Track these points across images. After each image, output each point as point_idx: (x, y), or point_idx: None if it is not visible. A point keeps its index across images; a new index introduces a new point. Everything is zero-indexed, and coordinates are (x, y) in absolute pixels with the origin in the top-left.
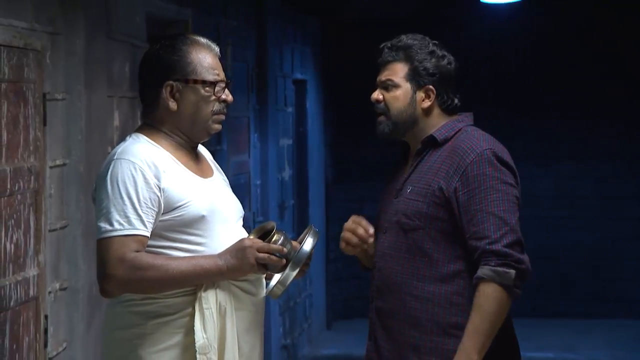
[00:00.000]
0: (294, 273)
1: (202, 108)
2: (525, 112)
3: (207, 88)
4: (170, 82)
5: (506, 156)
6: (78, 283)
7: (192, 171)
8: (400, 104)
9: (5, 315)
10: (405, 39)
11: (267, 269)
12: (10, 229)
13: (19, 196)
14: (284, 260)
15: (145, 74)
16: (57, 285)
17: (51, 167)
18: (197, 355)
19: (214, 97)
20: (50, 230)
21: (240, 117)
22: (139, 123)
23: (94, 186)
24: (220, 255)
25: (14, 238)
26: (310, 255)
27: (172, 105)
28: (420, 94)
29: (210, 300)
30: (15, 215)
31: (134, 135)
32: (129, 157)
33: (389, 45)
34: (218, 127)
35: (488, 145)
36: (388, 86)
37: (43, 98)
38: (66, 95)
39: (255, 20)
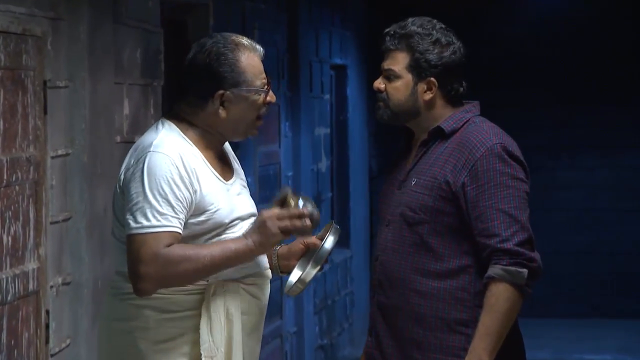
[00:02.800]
0: (315, 271)
1: (250, 114)
2: (584, 100)
3: (256, 95)
4: (222, 91)
5: (516, 150)
6: (82, 277)
7: (218, 173)
8: (401, 95)
9: (2, 310)
10: (410, 26)
11: (294, 233)
12: (8, 220)
13: (17, 187)
14: (309, 222)
15: (192, 81)
16: (60, 280)
17: (53, 157)
18: (203, 359)
19: (261, 102)
20: (52, 223)
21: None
22: (152, 111)
23: (121, 177)
24: (245, 235)
25: (12, 230)
26: (330, 252)
27: (222, 113)
28: (422, 86)
29: (219, 303)
30: (13, 207)
31: (166, 125)
32: (164, 150)
33: (392, 32)
34: (256, 131)
35: (498, 139)
36: (390, 76)
37: (44, 85)
38: (69, 83)
39: (286, 3)
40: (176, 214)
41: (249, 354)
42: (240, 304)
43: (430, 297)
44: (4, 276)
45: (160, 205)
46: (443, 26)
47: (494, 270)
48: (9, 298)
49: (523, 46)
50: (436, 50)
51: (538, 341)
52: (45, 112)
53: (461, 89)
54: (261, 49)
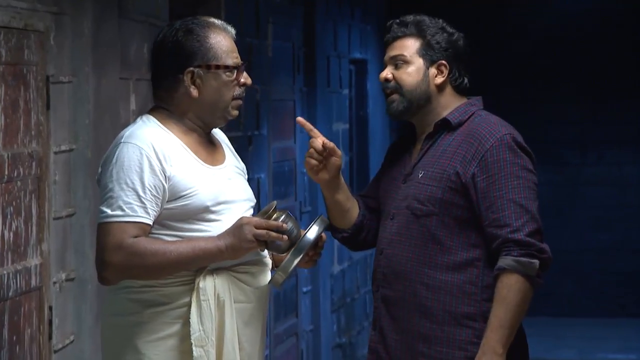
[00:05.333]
0: (296, 260)
1: (223, 93)
2: (612, 96)
3: (228, 73)
4: (192, 68)
5: (523, 142)
6: (86, 274)
7: (201, 159)
8: (413, 79)
9: (4, 306)
10: (415, 16)
11: (267, 246)
12: (9, 216)
13: (19, 182)
14: (286, 237)
15: (162, 60)
16: (63, 276)
17: (56, 153)
18: (193, 348)
19: (235, 82)
20: (55, 219)
21: (284, 100)
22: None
23: (99, 169)
24: (219, 236)
25: (13, 226)
26: (318, 244)
27: (194, 92)
28: (433, 70)
29: (208, 291)
30: (14, 203)
31: (144, 118)
32: (136, 141)
33: (398, 21)
34: (236, 112)
35: (507, 130)
36: (398, 63)
37: (46, 81)
38: (72, 78)
39: None
40: (143, 203)
41: (247, 343)
42: (232, 292)
43: (438, 290)
44: (5, 272)
45: (127, 195)
46: (441, 20)
47: (505, 261)
48: (10, 294)
49: (551, 40)
50: (445, 34)
51: (563, 341)
52: (48, 108)
53: (466, 80)
54: (233, 30)
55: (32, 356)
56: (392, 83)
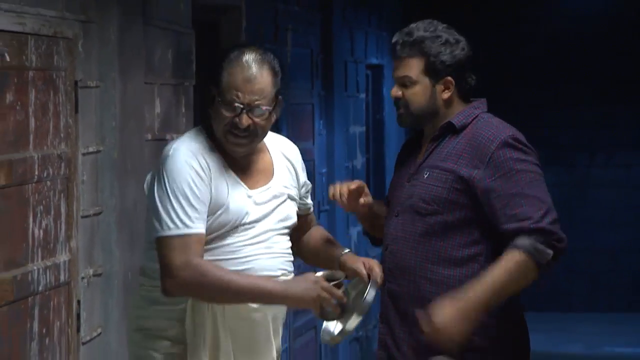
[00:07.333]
0: (356, 323)
1: (217, 123)
2: (621, 99)
3: (224, 107)
4: (213, 93)
5: (526, 140)
6: (112, 269)
7: (239, 178)
8: (421, 99)
9: (34, 300)
10: (415, 32)
11: (322, 311)
12: (39, 214)
13: (48, 182)
14: (338, 308)
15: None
16: (91, 271)
17: (84, 154)
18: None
19: (226, 117)
20: (82, 217)
21: (303, 103)
22: (183, 110)
23: (148, 179)
24: (286, 281)
25: (43, 224)
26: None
27: (212, 113)
28: (440, 87)
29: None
30: (44, 201)
31: (196, 130)
32: (182, 153)
33: (400, 41)
34: (233, 148)
35: (510, 131)
36: (406, 83)
37: (75, 85)
38: (100, 83)
39: (319, 5)
40: (198, 213)
41: (243, 339)
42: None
43: (441, 284)
44: (35, 268)
45: (183, 207)
46: (445, 25)
47: (523, 242)
48: (40, 288)
49: (561, 45)
50: (448, 51)
51: (573, 335)
52: (76, 111)
53: (473, 81)
54: (255, 68)
55: (61, 348)
56: (402, 101)
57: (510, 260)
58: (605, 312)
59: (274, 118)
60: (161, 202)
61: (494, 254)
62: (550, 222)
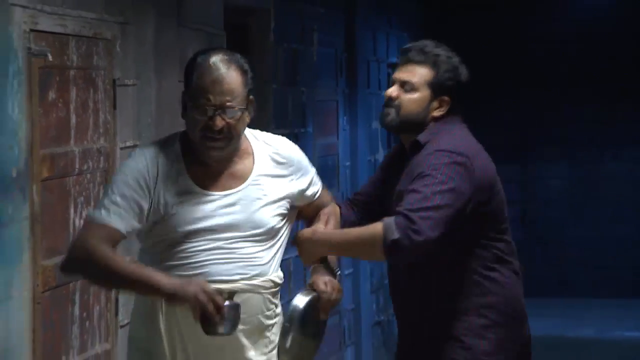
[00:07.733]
0: (289, 339)
1: (191, 127)
2: (628, 97)
3: (196, 111)
4: (184, 99)
5: (476, 161)
6: None
7: (198, 183)
8: (415, 107)
9: (75, 286)
10: (431, 47)
11: (201, 315)
12: (80, 205)
13: (88, 175)
14: (217, 319)
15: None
16: (128, 259)
17: (122, 149)
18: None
19: (198, 120)
20: None
21: (328, 100)
22: None
23: None
24: (169, 275)
25: (83, 214)
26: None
27: (185, 120)
28: (436, 103)
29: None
30: (84, 193)
31: (174, 133)
32: (138, 153)
33: (417, 47)
34: (210, 152)
35: (452, 147)
36: (407, 87)
37: (113, 84)
38: (136, 81)
39: (344, 8)
40: (121, 211)
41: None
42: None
43: (434, 287)
44: None
45: (111, 201)
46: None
47: (388, 219)
48: None
49: (567, 44)
50: (454, 73)
51: (583, 320)
52: (114, 108)
53: (458, 107)
54: (224, 69)
55: (101, 330)
56: (396, 102)
57: (369, 228)
58: (612, 298)
59: (248, 118)
60: (105, 188)
61: (484, 258)
62: (421, 215)
